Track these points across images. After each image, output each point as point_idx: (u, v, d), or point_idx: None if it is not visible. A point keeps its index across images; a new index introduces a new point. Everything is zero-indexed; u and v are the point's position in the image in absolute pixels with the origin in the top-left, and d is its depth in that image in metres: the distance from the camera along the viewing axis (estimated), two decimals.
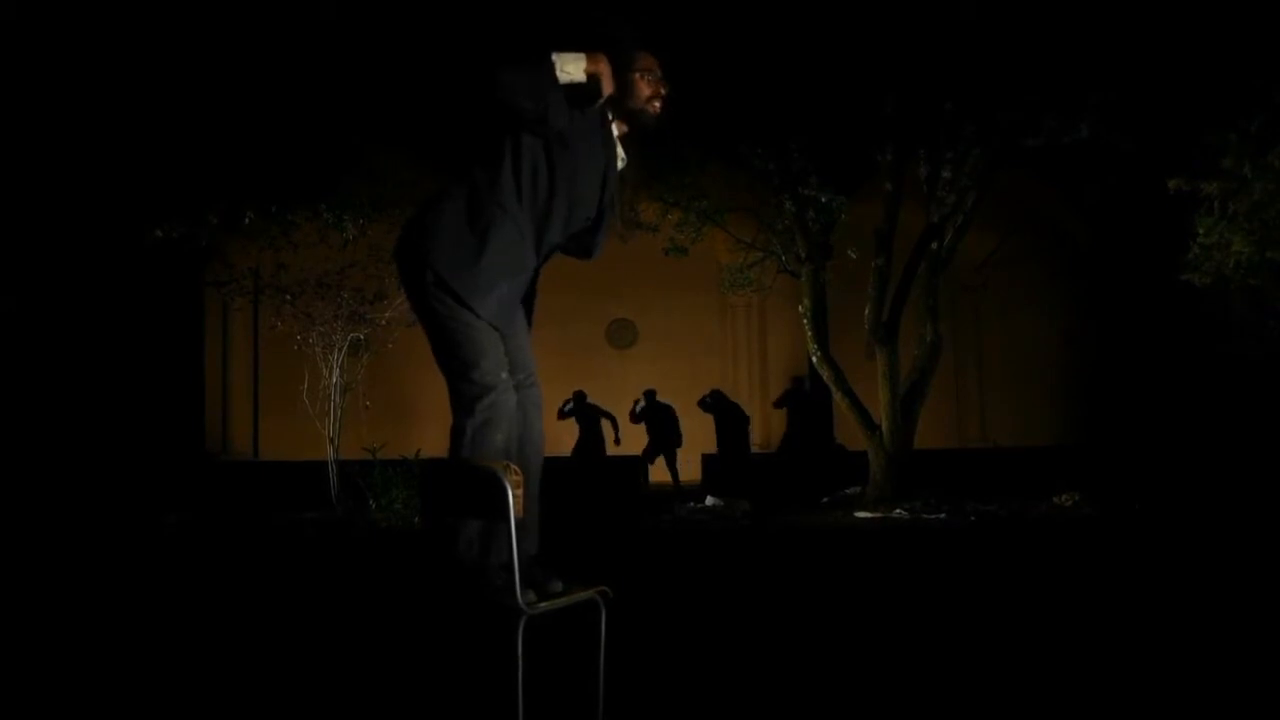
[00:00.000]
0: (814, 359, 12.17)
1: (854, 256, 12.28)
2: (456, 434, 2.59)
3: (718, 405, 13.08)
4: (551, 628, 2.54)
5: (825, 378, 12.11)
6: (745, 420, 13.33)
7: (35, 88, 12.57)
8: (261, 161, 12.67)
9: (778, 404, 13.85)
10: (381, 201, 11.09)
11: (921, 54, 10.64)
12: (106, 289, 13.69)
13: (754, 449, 14.22)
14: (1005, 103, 10.50)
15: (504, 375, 2.61)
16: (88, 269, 13.46)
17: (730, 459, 12.95)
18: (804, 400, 13.67)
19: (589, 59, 2.60)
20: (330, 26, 12.59)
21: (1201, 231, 9.84)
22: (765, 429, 16.47)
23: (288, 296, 11.07)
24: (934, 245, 11.72)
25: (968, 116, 10.85)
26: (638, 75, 2.71)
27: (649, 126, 2.78)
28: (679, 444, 13.23)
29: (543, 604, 2.46)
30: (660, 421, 13.18)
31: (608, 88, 2.64)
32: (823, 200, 11.58)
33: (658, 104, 2.75)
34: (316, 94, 13.19)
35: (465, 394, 2.58)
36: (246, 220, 10.94)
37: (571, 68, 2.58)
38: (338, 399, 11.01)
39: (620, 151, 2.81)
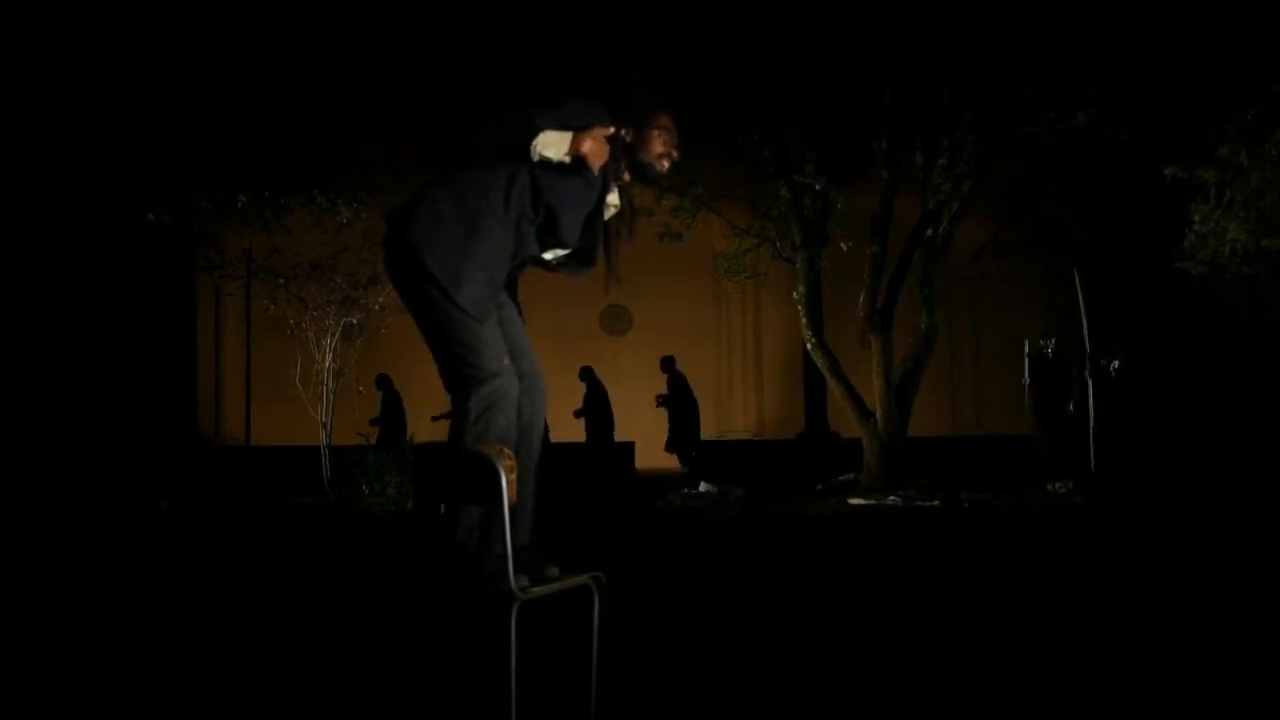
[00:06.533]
0: (808, 346, 12.17)
1: (846, 248, 12.23)
2: (460, 418, 2.60)
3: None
4: (545, 613, 2.54)
5: (820, 365, 12.11)
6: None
7: (28, 72, 12.48)
8: (255, 146, 12.59)
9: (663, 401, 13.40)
10: (376, 186, 11.02)
11: (919, 42, 10.59)
12: (99, 274, 13.62)
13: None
14: (1002, 92, 10.46)
15: (505, 361, 2.62)
16: (80, 254, 13.39)
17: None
18: (682, 387, 13.41)
19: (575, 140, 2.59)
20: (325, 12, 12.52)
21: (1197, 219, 9.84)
22: (759, 413, 16.57)
23: (281, 280, 11.02)
24: (929, 233, 11.71)
25: (965, 105, 10.81)
26: (655, 132, 2.78)
27: (654, 181, 2.87)
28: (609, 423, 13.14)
29: (535, 589, 2.46)
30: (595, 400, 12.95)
31: (596, 163, 2.64)
32: (818, 187, 11.52)
33: (666, 162, 2.82)
34: (311, 79, 13.12)
35: (470, 378, 2.58)
36: (239, 204, 10.89)
37: (553, 150, 2.58)
38: (331, 384, 10.97)
39: (614, 199, 2.83)
